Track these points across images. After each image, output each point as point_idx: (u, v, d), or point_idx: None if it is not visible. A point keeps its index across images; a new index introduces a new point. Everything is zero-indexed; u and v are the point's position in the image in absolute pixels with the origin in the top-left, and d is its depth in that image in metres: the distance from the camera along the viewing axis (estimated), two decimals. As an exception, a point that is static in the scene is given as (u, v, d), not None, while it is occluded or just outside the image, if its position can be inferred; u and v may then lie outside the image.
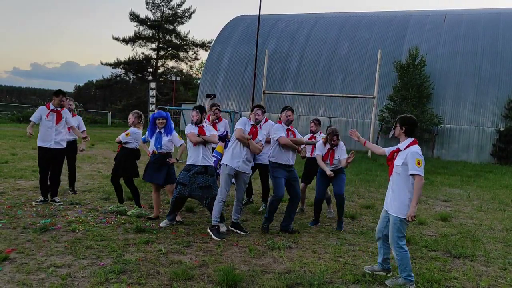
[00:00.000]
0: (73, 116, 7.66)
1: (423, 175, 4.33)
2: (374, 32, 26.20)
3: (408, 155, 4.36)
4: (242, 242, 5.75)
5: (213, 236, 5.86)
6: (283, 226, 6.40)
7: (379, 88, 20.04)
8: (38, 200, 7.31)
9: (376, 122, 21.83)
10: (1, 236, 5.37)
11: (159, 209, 6.82)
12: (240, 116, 6.57)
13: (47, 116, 7.25)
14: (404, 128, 4.53)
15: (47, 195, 7.40)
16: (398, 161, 4.47)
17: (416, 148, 4.42)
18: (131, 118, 7.00)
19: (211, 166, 6.24)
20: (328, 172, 6.58)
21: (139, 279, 4.25)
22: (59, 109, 7.35)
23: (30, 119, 7.38)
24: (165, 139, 6.52)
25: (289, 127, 6.48)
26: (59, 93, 7.41)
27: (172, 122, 6.81)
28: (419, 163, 4.31)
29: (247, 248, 5.47)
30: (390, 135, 4.78)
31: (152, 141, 6.60)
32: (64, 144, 7.44)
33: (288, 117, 6.41)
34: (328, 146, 6.80)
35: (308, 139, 7.35)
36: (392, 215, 4.50)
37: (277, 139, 6.23)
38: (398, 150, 4.55)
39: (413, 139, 4.52)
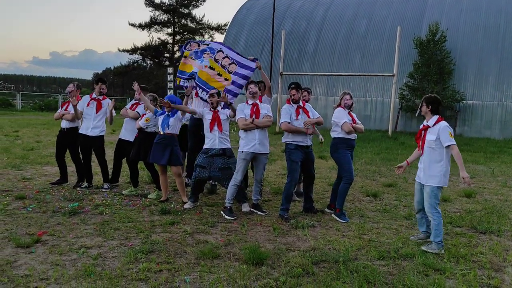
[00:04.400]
0: (103, 99, 7.51)
1: (455, 143, 4.81)
2: (393, 9, 25.64)
3: (440, 130, 4.81)
4: (266, 222, 5.81)
5: (225, 216, 5.94)
6: (306, 208, 6.38)
7: (398, 66, 19.69)
8: (83, 186, 7.47)
9: (396, 100, 21.53)
10: (32, 219, 5.55)
11: (168, 191, 6.89)
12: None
13: (87, 104, 7.37)
14: (430, 107, 4.97)
15: (91, 181, 7.57)
16: (431, 137, 4.88)
17: (445, 123, 4.89)
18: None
19: (229, 148, 6.30)
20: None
21: (168, 259, 4.35)
22: (100, 98, 7.43)
23: (77, 107, 7.49)
24: (171, 120, 6.53)
25: (301, 104, 6.15)
26: (98, 81, 7.53)
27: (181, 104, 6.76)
28: (451, 135, 4.82)
29: (271, 227, 5.52)
30: (417, 114, 5.21)
31: (160, 121, 6.62)
32: (102, 132, 7.47)
33: (292, 96, 6.06)
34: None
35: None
36: (429, 186, 4.86)
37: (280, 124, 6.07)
38: (426, 128, 4.97)
39: (438, 116, 4.96)
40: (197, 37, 45.15)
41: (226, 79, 6.94)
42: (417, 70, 22.14)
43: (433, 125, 4.90)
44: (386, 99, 23.20)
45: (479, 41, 22.54)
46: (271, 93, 7.20)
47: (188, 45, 7.39)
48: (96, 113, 7.36)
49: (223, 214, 6.00)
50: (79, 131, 7.43)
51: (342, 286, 3.79)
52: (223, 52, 7.04)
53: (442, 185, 4.86)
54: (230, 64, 6.97)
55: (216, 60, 6.96)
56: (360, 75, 22.72)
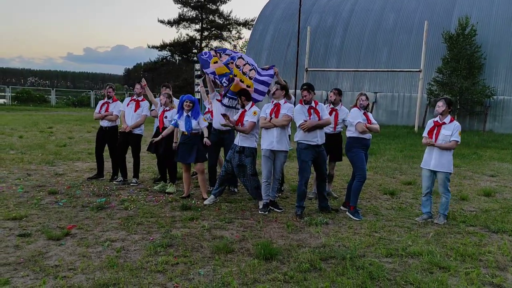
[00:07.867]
0: (113, 101, 8.16)
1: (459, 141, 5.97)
2: (422, 2, 25.23)
3: (455, 127, 5.92)
4: (281, 219, 6.04)
5: (259, 212, 6.33)
6: (322, 207, 6.51)
7: (426, 61, 19.43)
8: (118, 180, 8.03)
9: (424, 95, 21.26)
10: (63, 214, 5.97)
11: (189, 188, 7.23)
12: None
13: (127, 104, 8.02)
14: (451, 108, 6.02)
15: (126, 176, 8.11)
16: (447, 132, 5.93)
17: (458, 123, 6.02)
18: (162, 99, 7.59)
19: (248, 148, 6.56)
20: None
21: (185, 252, 4.65)
22: (139, 99, 8.01)
23: (120, 108, 8.12)
24: (194, 122, 6.87)
25: (313, 105, 6.24)
26: (136, 83, 8.17)
27: (199, 106, 7.14)
28: (460, 134, 5.94)
29: (285, 224, 5.75)
30: (435, 114, 6.05)
31: (182, 123, 6.94)
32: (140, 131, 8.00)
33: (304, 97, 6.18)
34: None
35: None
36: (443, 172, 5.96)
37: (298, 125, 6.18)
38: (440, 124, 5.98)
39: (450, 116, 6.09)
40: (224, 33, 45.52)
41: (248, 86, 7.13)
42: (446, 65, 21.80)
43: (449, 123, 5.96)
44: (414, 94, 22.92)
45: (511, 35, 21.95)
46: (290, 96, 7.30)
47: (208, 54, 7.49)
48: (134, 112, 7.92)
49: (259, 211, 6.34)
50: (119, 130, 8.02)
51: (346, 282, 3.99)
52: (243, 59, 7.28)
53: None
54: (250, 70, 7.21)
55: (237, 67, 7.20)
56: (386, 71, 22.50)
